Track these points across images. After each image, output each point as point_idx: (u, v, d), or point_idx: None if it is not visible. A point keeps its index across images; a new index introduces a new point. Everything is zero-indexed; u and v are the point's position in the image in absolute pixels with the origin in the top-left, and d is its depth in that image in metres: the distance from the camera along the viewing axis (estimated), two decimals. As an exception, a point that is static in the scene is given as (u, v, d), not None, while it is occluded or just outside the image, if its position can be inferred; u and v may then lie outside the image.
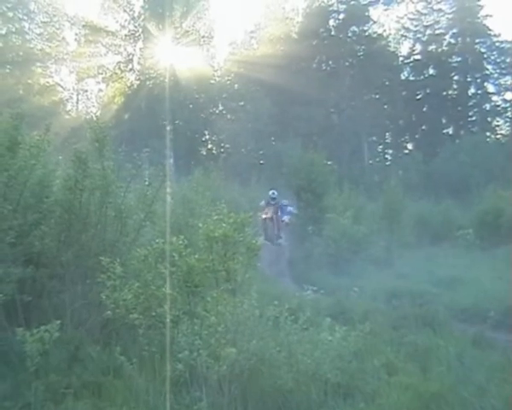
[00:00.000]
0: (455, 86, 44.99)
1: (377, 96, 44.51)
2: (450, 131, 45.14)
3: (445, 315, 9.30)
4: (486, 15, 43.51)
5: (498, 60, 44.42)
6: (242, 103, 40.75)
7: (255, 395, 5.38)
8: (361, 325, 6.23)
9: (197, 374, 5.42)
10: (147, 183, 8.13)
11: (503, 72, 44.48)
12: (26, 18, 39.28)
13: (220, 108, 42.45)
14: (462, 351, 6.97)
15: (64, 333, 6.15)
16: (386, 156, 47.34)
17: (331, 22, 44.56)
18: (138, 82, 39.16)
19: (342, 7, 44.03)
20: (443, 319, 9.09)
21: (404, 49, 46.84)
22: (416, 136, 45.80)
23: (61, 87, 40.63)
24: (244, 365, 5.35)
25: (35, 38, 39.44)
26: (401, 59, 46.35)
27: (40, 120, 13.27)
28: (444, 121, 45.02)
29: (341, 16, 44.16)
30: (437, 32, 44.95)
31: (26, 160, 7.03)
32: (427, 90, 44.51)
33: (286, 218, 19.89)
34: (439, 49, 44.59)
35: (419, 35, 45.74)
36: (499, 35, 43.94)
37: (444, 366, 6.47)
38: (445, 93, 44.41)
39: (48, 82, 39.19)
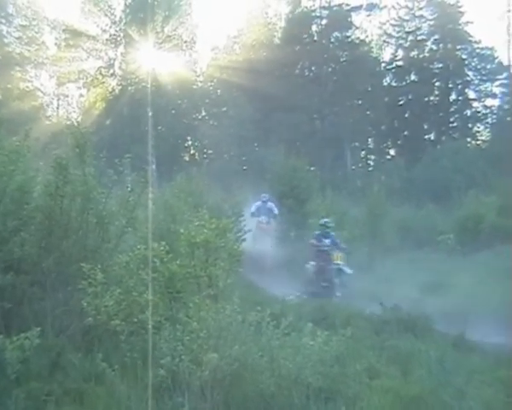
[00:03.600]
0: (436, 92, 45.31)
1: (360, 102, 44.69)
2: (432, 136, 45.44)
3: (426, 319, 9.36)
4: (467, 22, 43.90)
5: (479, 66, 44.82)
6: (225, 109, 40.73)
7: (237, 401, 5.39)
8: (343, 330, 6.26)
9: (179, 380, 5.41)
10: (129, 189, 8.11)
11: (484, 78, 44.90)
12: (4, 21, 38.87)
13: (203, 113, 42.38)
14: (442, 355, 7.03)
15: (45, 340, 6.12)
16: (369, 162, 47.52)
17: (314, 28, 44.72)
18: (120, 87, 39.01)
19: (325, 13, 44.20)
20: (424, 323, 9.15)
21: (387, 54, 47.17)
22: (399, 141, 46.09)
23: (41, 92, 40.35)
24: (226, 370, 5.36)
25: (14, 42, 39.05)
26: (383, 65, 46.61)
27: (20, 125, 13.17)
28: (425, 127, 45.36)
29: (324, 22, 44.31)
30: (419, 38, 45.25)
31: (5, 166, 6.98)
32: (409, 96, 44.81)
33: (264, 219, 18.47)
34: (421, 56, 44.91)
35: (401, 41, 46.03)
36: (480, 42, 44.37)
37: (424, 370, 6.53)
38: (426, 99, 44.74)
39: (27, 87, 38.91)
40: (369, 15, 46.55)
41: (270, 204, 18.66)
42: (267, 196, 18.98)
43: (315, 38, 44.60)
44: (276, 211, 18.65)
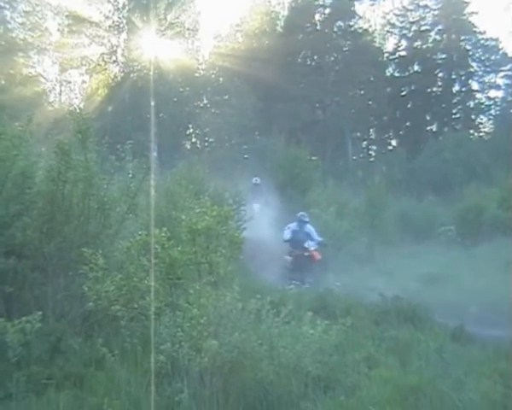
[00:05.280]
0: (439, 83, 45.21)
1: (362, 92, 44.61)
2: (434, 128, 45.40)
3: (425, 311, 9.38)
4: (472, 12, 43.76)
5: (483, 57, 44.70)
6: (227, 97, 40.68)
7: (236, 388, 5.41)
8: (343, 320, 6.27)
9: (179, 366, 5.44)
10: (130, 175, 8.12)
11: (488, 69, 44.79)
12: (7, 7, 38.77)
13: (205, 101, 42.34)
14: (441, 346, 7.04)
15: (46, 325, 6.13)
16: (370, 152, 47.55)
17: (317, 17, 44.55)
18: (122, 74, 38.87)
19: (328, 1, 43.99)
20: (423, 314, 9.18)
21: (390, 45, 47.10)
22: (400, 132, 46.01)
23: (44, 78, 40.21)
24: (226, 357, 5.38)
25: (17, 28, 38.90)
26: (386, 55, 46.49)
27: (22, 110, 13.19)
28: (428, 118, 45.29)
29: (327, 11, 44.15)
30: (422, 28, 45.08)
31: (8, 151, 6.99)
32: (412, 87, 44.72)
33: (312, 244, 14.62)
34: (425, 46, 44.75)
35: (404, 31, 45.86)
36: (484, 32, 44.25)
37: (423, 361, 6.56)
38: (429, 90, 44.64)
39: (30, 72, 38.77)
40: (372, 5, 46.53)
41: (308, 227, 14.90)
42: (306, 214, 15.26)
43: (318, 27, 44.43)
44: (317, 238, 14.81)
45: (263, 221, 18.49)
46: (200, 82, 41.07)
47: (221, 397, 5.31)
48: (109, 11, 38.94)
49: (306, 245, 14.48)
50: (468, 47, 44.69)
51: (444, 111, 44.38)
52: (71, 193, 7.35)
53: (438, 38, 44.78)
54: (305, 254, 14.45)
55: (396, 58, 45.93)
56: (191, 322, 5.50)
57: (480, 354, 7.10)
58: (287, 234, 14.81)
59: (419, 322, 8.67)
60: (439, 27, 44.65)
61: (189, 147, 41.38)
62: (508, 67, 43.85)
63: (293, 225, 14.92)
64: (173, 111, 38.40)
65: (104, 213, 7.54)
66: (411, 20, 45.55)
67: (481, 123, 45.35)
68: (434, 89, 45.00)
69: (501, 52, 44.31)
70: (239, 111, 38.56)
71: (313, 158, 27.93)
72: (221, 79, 41.69)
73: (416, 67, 45.04)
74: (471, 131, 43.62)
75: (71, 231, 7.33)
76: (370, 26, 46.69)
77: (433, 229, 20.24)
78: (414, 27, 45.36)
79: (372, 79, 43.55)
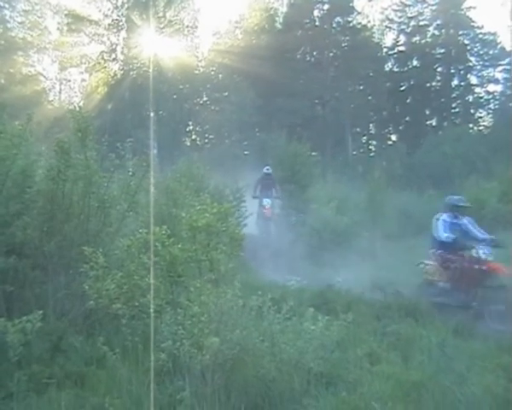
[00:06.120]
0: (438, 78, 45.23)
1: (361, 88, 44.64)
2: (434, 122, 45.40)
3: (427, 305, 9.38)
4: (470, 7, 43.79)
5: (481, 52, 44.68)
6: (226, 94, 40.62)
7: (238, 385, 5.40)
8: (344, 315, 6.26)
9: (180, 364, 5.43)
10: (130, 173, 8.10)
11: (486, 64, 44.77)
12: (7, 6, 38.82)
13: (204, 98, 42.34)
14: (443, 340, 7.04)
15: (47, 324, 6.12)
16: (370, 147, 47.57)
17: (316, 13, 44.56)
18: (122, 72, 38.82)
19: (326, -3, 44.04)
20: (425, 309, 9.17)
21: (389, 40, 47.12)
22: (400, 127, 46.04)
23: (44, 77, 40.29)
24: (227, 354, 5.36)
25: (16, 27, 39.03)
26: (385, 50, 46.51)
27: (22, 109, 13.16)
28: (427, 113, 45.31)
29: (326, 7, 44.14)
30: (421, 23, 45.08)
31: (8, 150, 6.97)
32: (411, 82, 44.73)
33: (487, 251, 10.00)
34: (423, 41, 44.75)
35: (403, 26, 45.87)
36: (482, 27, 44.26)
37: (425, 355, 6.55)
38: (428, 85, 44.65)
39: (30, 71, 38.85)
40: (370, 0, 46.45)
41: (466, 220, 10.78)
42: (462, 199, 11.37)
43: (317, 23, 44.45)
44: (482, 234, 10.47)
45: (273, 216, 18.45)
46: (200, 79, 41.03)
47: (223, 394, 5.30)
48: (108, 9, 38.88)
49: (481, 254, 9.99)
50: (467, 41, 44.68)
51: (443, 105, 44.38)
52: (71, 191, 7.33)
53: (436, 32, 44.77)
54: (477, 266, 9.99)
55: (395, 53, 45.92)
56: (192, 320, 5.48)
57: (483, 348, 7.11)
58: (444, 230, 10.42)
59: (421, 317, 8.66)
60: (438, 22, 44.63)
61: (188, 144, 41.40)
62: (506, 61, 43.78)
63: (446, 217, 10.63)
64: (173, 108, 38.40)
65: (104, 211, 7.52)
66: (410, 15, 45.54)
67: (480, 117, 45.42)
68: (433, 83, 45.03)
69: (499, 46, 44.33)
70: (239, 108, 38.51)
71: (313, 154, 27.91)
72: (220, 75, 41.65)
73: (414, 62, 45.04)
74: (470, 126, 43.64)
75: (71, 229, 7.31)
76: (369, 21, 46.69)
77: (434, 223, 20.15)
78: (412, 22, 45.36)
79: (371, 74, 43.53)
